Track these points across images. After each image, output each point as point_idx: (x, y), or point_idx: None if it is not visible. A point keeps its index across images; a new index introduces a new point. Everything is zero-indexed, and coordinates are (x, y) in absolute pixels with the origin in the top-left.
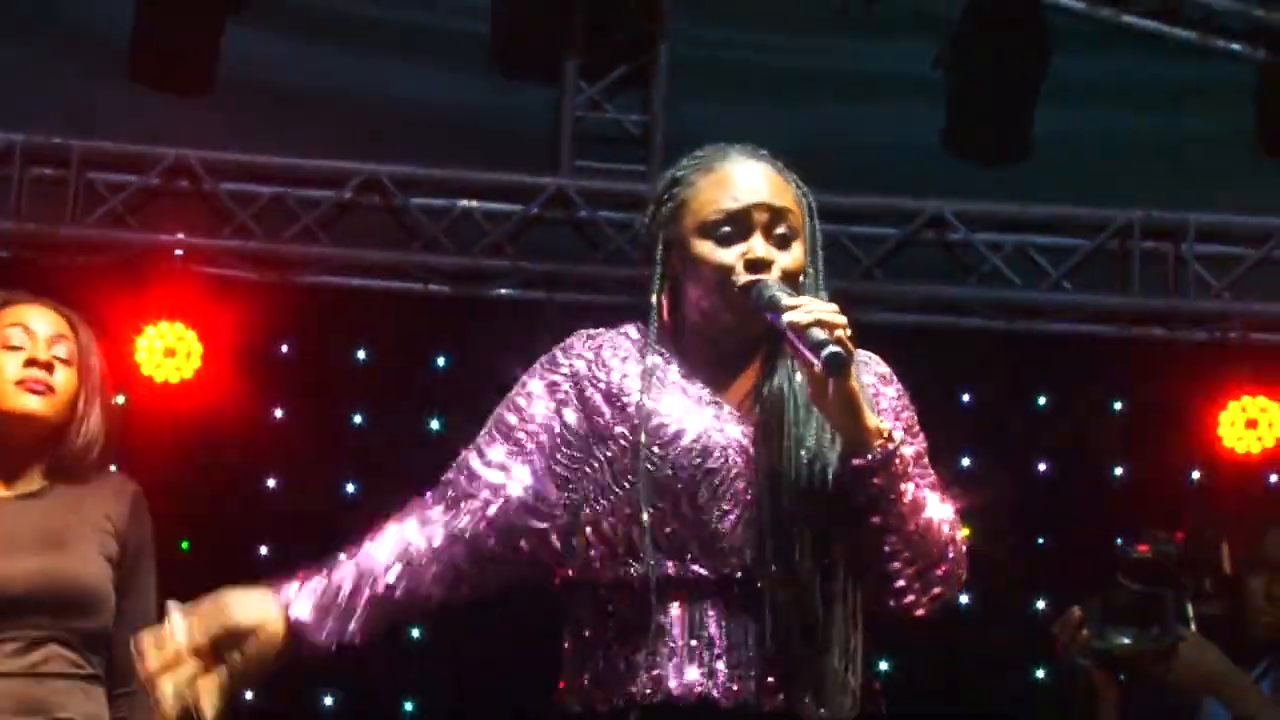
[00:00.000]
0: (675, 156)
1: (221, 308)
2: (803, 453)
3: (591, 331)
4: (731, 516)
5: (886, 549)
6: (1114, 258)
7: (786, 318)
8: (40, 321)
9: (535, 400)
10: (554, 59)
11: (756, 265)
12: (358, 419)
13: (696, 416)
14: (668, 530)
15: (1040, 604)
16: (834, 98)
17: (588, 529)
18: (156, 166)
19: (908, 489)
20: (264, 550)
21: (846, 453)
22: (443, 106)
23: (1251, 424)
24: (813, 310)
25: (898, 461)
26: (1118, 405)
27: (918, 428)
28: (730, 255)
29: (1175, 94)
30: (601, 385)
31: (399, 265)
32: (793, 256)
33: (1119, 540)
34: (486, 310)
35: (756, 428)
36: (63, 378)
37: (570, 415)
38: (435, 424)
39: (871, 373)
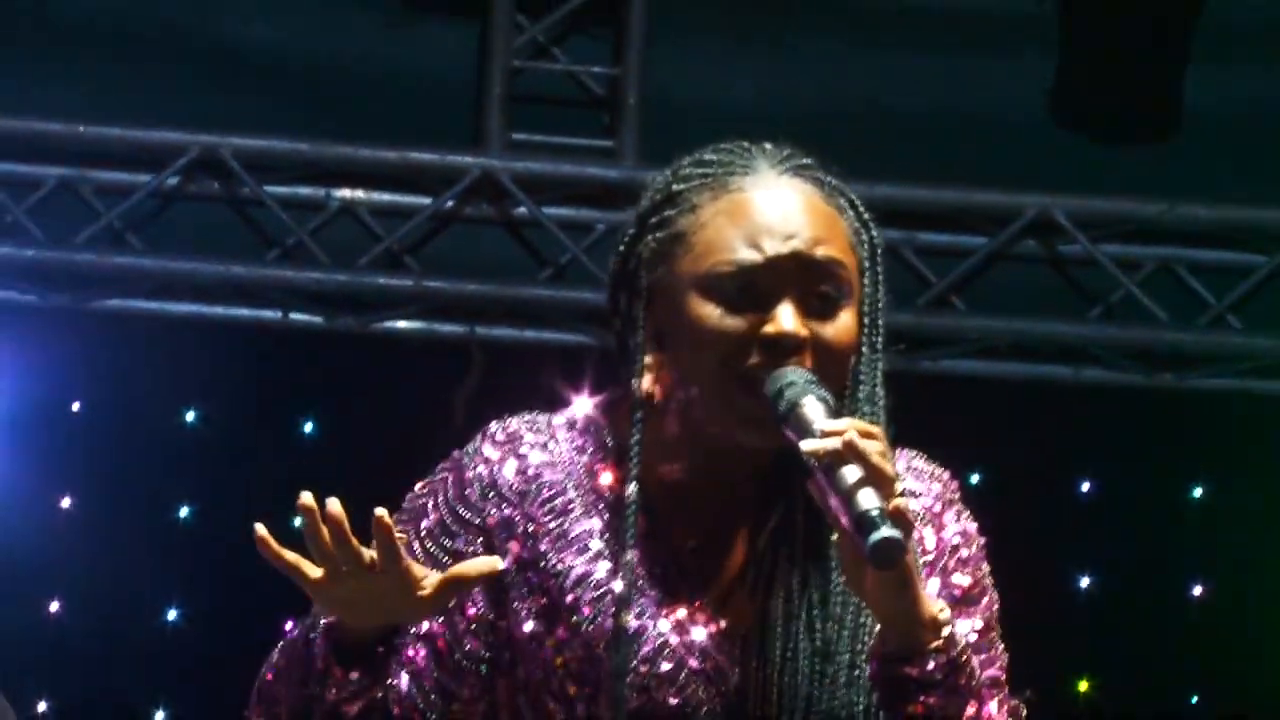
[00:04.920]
0: (657, 128)
1: None
2: (837, 663)
3: (510, 427)
4: None
5: None
6: None
7: (813, 447)
8: None
9: (429, 536)
10: None
11: (780, 345)
12: (184, 511)
13: (653, 594)
14: None
15: None
16: (887, 43)
17: None
18: None
19: (971, 711)
20: (43, 707)
21: (890, 654)
22: (314, 52)
23: None
24: (861, 453)
25: (964, 678)
26: None
27: (988, 581)
28: (742, 325)
29: None
30: (519, 526)
31: (247, 284)
32: (838, 326)
33: None
34: (376, 351)
35: (748, 619)
36: None
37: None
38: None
39: (920, 495)
